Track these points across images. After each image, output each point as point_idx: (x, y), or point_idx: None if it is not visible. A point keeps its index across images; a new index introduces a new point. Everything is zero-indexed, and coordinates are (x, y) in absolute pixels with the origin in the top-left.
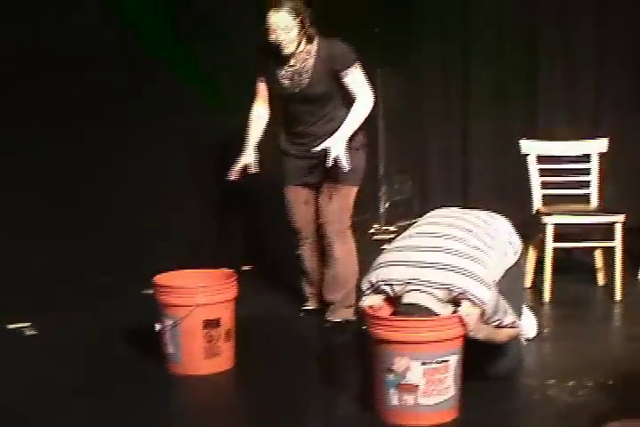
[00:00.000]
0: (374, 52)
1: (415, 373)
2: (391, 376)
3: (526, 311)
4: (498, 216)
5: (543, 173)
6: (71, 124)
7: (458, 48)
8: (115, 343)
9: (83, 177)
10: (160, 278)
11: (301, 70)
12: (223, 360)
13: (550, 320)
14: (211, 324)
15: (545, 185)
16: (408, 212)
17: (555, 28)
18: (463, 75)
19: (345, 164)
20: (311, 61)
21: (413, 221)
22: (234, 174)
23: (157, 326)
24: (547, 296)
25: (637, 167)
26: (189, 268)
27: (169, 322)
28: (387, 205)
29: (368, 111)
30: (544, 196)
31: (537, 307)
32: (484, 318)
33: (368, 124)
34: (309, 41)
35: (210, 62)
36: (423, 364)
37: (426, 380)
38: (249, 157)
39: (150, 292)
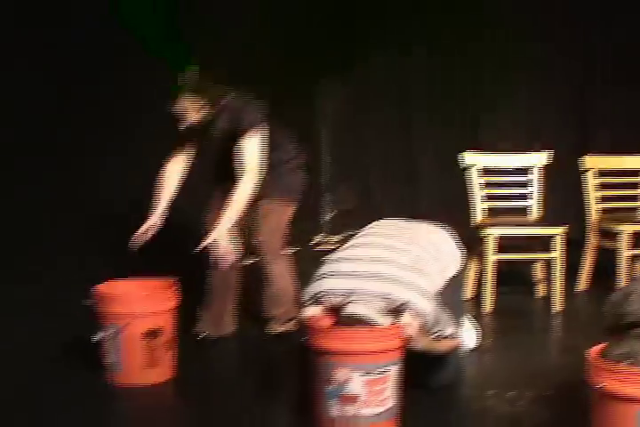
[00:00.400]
0: (317, 60)
1: (355, 383)
2: (331, 387)
3: (467, 322)
4: (440, 228)
5: (485, 185)
6: None
7: (400, 60)
8: (54, 353)
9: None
10: (100, 288)
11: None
12: (163, 370)
13: (491, 331)
14: (151, 333)
15: (487, 197)
16: (352, 222)
17: (498, 42)
18: (407, 86)
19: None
20: (217, 121)
21: (356, 231)
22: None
23: (97, 336)
24: (488, 307)
25: (579, 180)
26: (130, 276)
27: (109, 332)
28: (330, 215)
29: (249, 194)
30: (486, 208)
31: (478, 318)
32: (424, 329)
33: (308, 140)
34: (216, 106)
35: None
36: (363, 374)
37: (366, 390)
38: (154, 219)
39: (91, 301)
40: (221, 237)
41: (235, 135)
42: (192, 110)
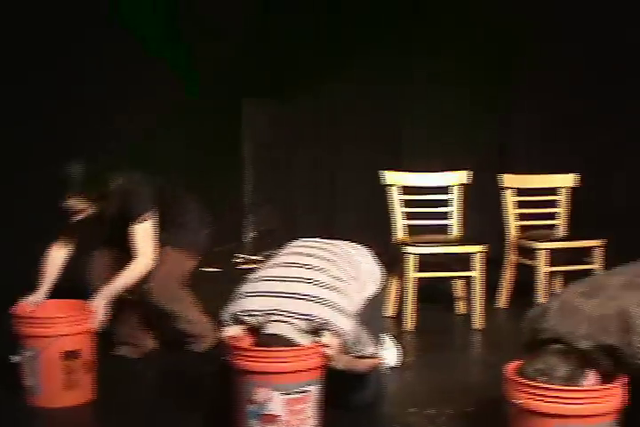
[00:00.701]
0: (240, 81)
1: (276, 403)
2: (252, 407)
3: (388, 340)
4: (359, 246)
5: (406, 203)
6: None
7: (324, 77)
8: None
9: None
10: (19, 308)
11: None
12: (83, 392)
13: (412, 349)
14: (70, 355)
15: (408, 216)
16: (274, 241)
17: (422, 58)
18: (329, 104)
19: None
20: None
21: (277, 251)
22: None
23: (15, 358)
24: (409, 325)
25: (498, 199)
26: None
27: (28, 353)
28: (253, 234)
29: (139, 276)
30: (408, 226)
31: (399, 336)
32: (344, 348)
33: (230, 159)
34: (105, 197)
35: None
36: (284, 394)
37: (287, 410)
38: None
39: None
40: (101, 301)
41: (126, 219)
42: (81, 207)
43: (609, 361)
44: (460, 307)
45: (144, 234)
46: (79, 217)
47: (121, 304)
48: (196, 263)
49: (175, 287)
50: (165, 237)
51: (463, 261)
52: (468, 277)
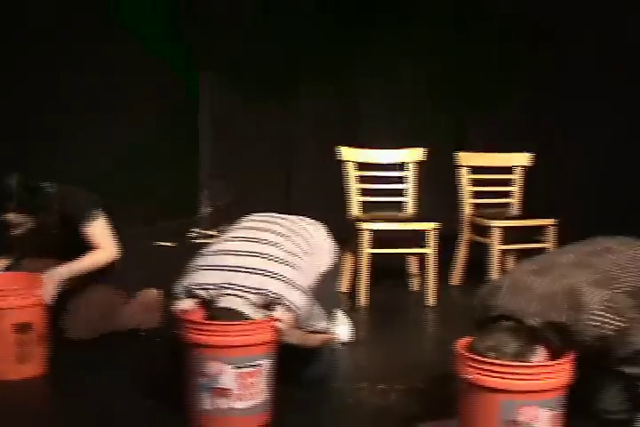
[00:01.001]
0: (196, 55)
1: (227, 376)
2: (203, 380)
3: (341, 316)
4: (314, 222)
5: (362, 180)
6: None
7: (282, 52)
8: None
9: None
10: None
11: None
12: (35, 366)
13: (365, 325)
14: (22, 328)
15: (363, 192)
16: (229, 216)
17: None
18: (290, 80)
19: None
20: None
21: (231, 225)
22: None
23: None
24: (362, 301)
25: (452, 177)
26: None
27: None
28: (208, 209)
29: (101, 263)
30: (363, 202)
31: (352, 312)
32: (297, 323)
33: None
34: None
35: None
36: (235, 367)
37: (238, 384)
38: None
39: None
40: (55, 276)
41: (74, 224)
42: (20, 220)
43: (558, 338)
44: (414, 284)
45: (100, 231)
46: (19, 231)
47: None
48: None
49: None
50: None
51: (417, 238)
52: (421, 254)
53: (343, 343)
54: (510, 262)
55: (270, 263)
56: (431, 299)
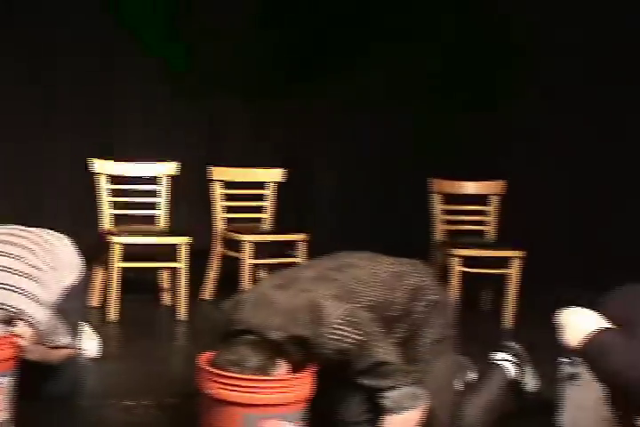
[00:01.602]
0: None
1: None
2: None
3: (88, 331)
4: (60, 235)
5: (114, 193)
6: None
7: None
8: None
9: None
10: None
11: None
12: None
13: (115, 340)
14: None
15: (116, 205)
16: None
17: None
18: (45, 81)
19: None
20: None
21: None
22: None
23: None
24: (112, 315)
25: (207, 191)
26: None
27: None
28: None
29: None
30: (115, 216)
31: (102, 326)
32: (39, 339)
33: None
34: None
35: None
36: None
37: None
38: None
39: None
40: None
41: None
42: None
43: (300, 351)
44: (166, 298)
45: None
46: None
47: None
48: None
49: None
50: None
51: (170, 253)
52: (173, 269)
53: (91, 359)
54: (262, 277)
55: (10, 276)
56: (182, 313)
